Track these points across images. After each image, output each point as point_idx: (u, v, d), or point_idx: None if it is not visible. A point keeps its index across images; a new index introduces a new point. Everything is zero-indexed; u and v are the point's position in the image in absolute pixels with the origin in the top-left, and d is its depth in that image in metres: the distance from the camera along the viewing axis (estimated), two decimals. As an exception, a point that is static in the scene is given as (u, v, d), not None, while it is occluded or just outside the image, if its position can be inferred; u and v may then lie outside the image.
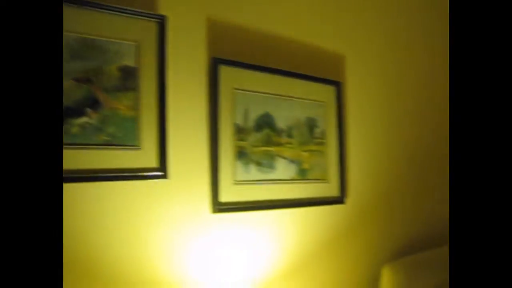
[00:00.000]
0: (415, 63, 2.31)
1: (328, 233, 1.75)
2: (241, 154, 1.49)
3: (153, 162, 1.31)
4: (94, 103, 1.22)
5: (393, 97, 2.14)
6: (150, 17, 1.33)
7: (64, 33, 1.16)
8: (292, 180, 1.61)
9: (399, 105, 2.17)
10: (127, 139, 1.27)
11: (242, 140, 1.50)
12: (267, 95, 1.58)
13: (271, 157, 1.56)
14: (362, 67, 2.00)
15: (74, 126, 1.18)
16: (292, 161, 1.62)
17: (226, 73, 1.48)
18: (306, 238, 1.68)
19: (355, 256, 1.84)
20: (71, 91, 1.18)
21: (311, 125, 1.69)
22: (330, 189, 1.74)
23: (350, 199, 1.83)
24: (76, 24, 1.20)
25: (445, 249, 2.03)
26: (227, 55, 1.51)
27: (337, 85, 1.80)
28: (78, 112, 1.19)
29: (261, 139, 1.54)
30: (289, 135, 1.62)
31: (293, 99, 1.66)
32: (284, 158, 1.60)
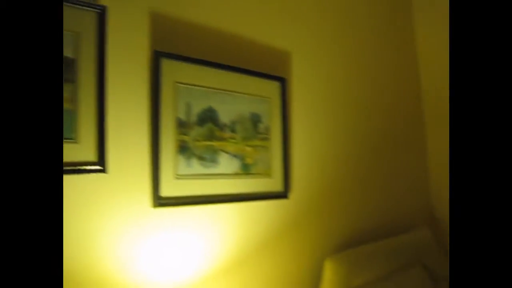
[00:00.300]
0: (362, 59, 2.37)
1: (271, 228, 1.77)
2: (183, 149, 1.48)
3: (91, 156, 1.27)
4: (28, 95, 1.18)
5: (340, 93, 2.19)
6: (90, 7, 1.30)
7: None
8: (235, 174, 1.62)
9: (345, 101, 2.22)
10: (63, 132, 1.23)
11: (184, 134, 1.49)
12: (210, 89, 1.58)
13: (214, 151, 1.56)
14: (308, 64, 2.03)
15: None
16: (235, 156, 1.62)
17: (168, 67, 1.46)
18: (249, 233, 1.69)
19: (298, 250, 1.87)
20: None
21: (255, 120, 1.70)
22: (273, 184, 1.76)
23: (294, 194, 1.86)
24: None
25: (387, 242, 2.10)
26: (170, 48, 1.50)
27: (282, 81, 1.82)
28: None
29: (204, 134, 1.54)
30: (233, 130, 1.63)
31: (237, 94, 1.66)
32: (227, 153, 1.60)
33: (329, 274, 1.75)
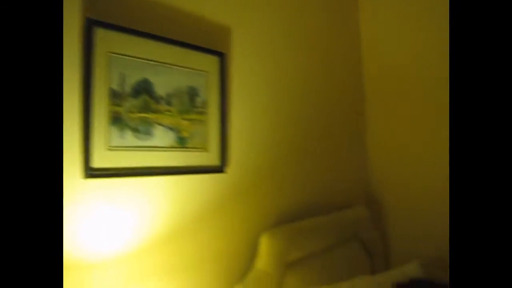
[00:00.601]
0: (306, 37, 2.40)
1: (207, 201, 1.78)
2: (116, 120, 1.46)
3: (17, 125, 1.24)
4: None
5: (282, 72, 2.21)
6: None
7: None
8: (170, 147, 1.62)
9: (287, 80, 2.25)
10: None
11: (117, 105, 1.46)
12: (146, 61, 1.55)
13: (149, 124, 1.55)
14: (249, 40, 2.04)
15: None
16: (171, 128, 1.61)
17: (101, 36, 1.42)
18: (184, 206, 1.70)
19: (234, 224, 1.90)
20: None
21: (192, 94, 1.70)
22: (210, 158, 1.77)
23: (231, 169, 1.88)
24: None
25: (325, 218, 2.15)
26: (104, 17, 1.46)
27: (221, 55, 1.82)
28: None
29: (138, 106, 1.52)
30: (169, 103, 1.62)
31: (174, 67, 1.65)
32: (163, 125, 1.59)
33: (265, 248, 1.79)
